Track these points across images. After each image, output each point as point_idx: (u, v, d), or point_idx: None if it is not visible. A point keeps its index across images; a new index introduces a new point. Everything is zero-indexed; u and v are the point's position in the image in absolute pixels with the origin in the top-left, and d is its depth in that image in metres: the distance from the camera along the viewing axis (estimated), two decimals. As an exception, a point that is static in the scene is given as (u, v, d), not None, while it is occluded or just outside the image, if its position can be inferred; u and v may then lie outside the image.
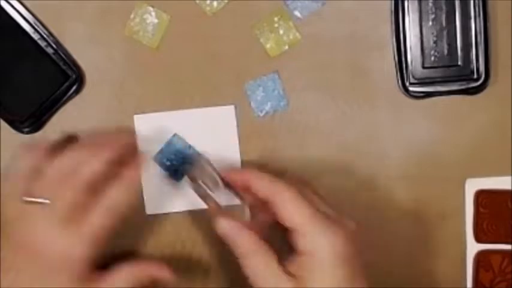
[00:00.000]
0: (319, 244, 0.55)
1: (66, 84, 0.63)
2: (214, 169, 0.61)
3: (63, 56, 0.63)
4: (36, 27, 0.62)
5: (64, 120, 0.64)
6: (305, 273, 0.56)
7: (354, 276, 0.56)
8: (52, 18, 0.63)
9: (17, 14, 0.62)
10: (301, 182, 0.60)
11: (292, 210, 0.56)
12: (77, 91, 0.63)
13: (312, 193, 0.59)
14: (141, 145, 0.64)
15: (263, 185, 0.58)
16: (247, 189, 0.59)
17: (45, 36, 0.62)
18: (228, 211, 0.60)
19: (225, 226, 0.58)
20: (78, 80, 0.63)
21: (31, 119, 0.63)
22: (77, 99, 0.64)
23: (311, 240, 0.56)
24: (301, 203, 0.56)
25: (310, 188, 0.60)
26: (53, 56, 0.62)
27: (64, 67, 0.62)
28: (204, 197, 0.61)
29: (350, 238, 0.56)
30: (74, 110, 0.64)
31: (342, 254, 0.56)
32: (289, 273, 0.56)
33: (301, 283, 0.55)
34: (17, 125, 0.63)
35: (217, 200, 0.60)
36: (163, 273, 0.61)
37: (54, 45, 0.62)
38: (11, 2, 0.62)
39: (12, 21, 0.62)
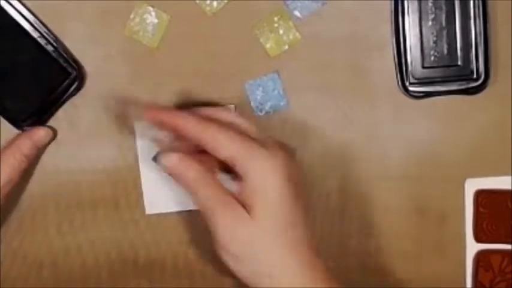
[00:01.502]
0: (260, 167, 0.55)
1: (67, 81, 0.63)
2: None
3: (62, 53, 0.62)
4: (36, 26, 0.62)
5: (64, 119, 0.64)
6: (253, 199, 0.55)
7: (298, 195, 0.56)
8: (52, 18, 0.63)
9: (17, 13, 0.62)
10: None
11: (223, 140, 0.55)
12: (78, 89, 0.63)
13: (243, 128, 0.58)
14: (141, 145, 0.64)
15: (191, 125, 0.57)
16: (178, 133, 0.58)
17: (44, 34, 0.62)
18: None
19: (172, 159, 0.57)
20: (79, 77, 0.63)
21: (32, 117, 0.63)
22: (77, 99, 0.64)
23: (251, 165, 0.55)
24: (231, 132, 0.56)
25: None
26: (53, 54, 0.62)
27: (64, 64, 0.62)
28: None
29: (289, 158, 0.56)
30: (74, 109, 0.64)
31: (284, 175, 0.55)
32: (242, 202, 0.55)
33: (253, 210, 0.55)
34: (18, 123, 0.63)
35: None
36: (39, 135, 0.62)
37: (54, 43, 0.62)
38: (11, 1, 0.62)
39: (12, 21, 0.62)
